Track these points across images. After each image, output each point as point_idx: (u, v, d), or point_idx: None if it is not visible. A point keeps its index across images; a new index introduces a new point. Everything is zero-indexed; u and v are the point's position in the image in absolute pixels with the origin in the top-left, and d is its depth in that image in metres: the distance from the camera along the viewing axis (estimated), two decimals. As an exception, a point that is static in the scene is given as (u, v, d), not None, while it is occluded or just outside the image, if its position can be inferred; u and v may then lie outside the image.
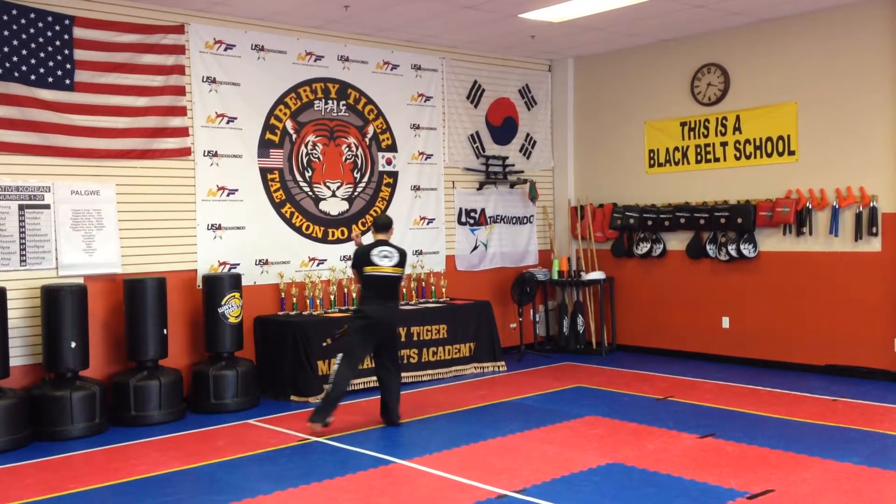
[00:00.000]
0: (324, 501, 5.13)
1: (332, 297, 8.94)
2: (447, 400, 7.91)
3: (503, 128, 10.62)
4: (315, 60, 8.95)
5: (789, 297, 8.96)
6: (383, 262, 6.86)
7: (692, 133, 9.74)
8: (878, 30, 8.27)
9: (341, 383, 6.73)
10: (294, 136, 8.80)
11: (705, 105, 9.61)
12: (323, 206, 9.02)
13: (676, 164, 9.89)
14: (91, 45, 7.45)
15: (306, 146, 8.88)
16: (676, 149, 9.89)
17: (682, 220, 9.71)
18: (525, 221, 10.87)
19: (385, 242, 6.99)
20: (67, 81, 7.34)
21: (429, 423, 7.09)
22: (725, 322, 9.52)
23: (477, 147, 10.36)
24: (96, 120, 7.47)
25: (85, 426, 6.84)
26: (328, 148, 9.03)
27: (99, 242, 7.50)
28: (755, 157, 9.19)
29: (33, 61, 7.16)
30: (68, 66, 7.34)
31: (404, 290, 9.38)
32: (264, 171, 8.59)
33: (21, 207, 7.13)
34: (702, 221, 9.53)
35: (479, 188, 10.36)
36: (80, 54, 7.40)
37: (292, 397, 8.01)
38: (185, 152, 8.01)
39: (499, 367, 9.39)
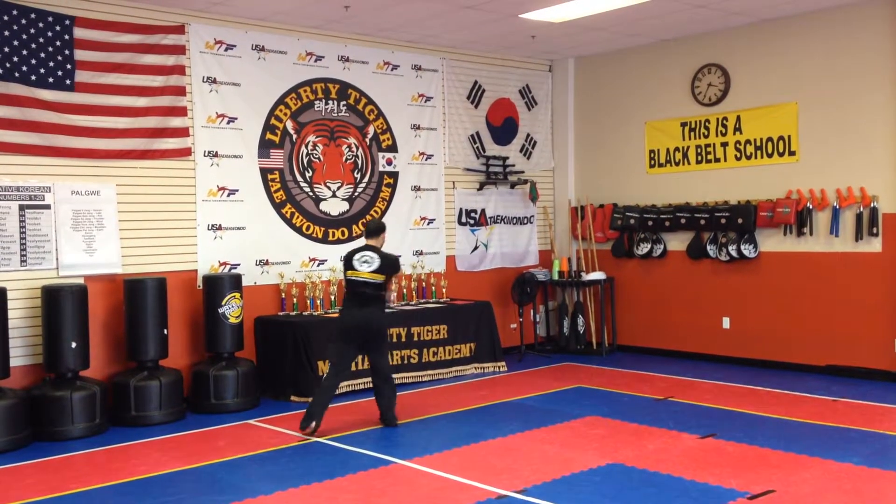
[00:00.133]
0: (324, 501, 5.13)
1: (332, 298, 8.94)
2: (447, 400, 7.91)
3: (503, 128, 10.62)
4: (315, 61, 8.95)
5: (790, 297, 8.96)
6: (362, 266, 6.85)
7: (693, 133, 9.74)
8: (878, 30, 8.27)
9: (324, 389, 6.77)
10: (294, 137, 8.80)
11: (706, 105, 9.61)
12: (323, 206, 9.02)
13: (677, 164, 9.89)
14: (91, 46, 7.45)
15: (307, 146, 8.88)
16: (677, 149, 9.89)
17: (683, 221, 9.71)
18: (525, 222, 10.87)
19: (370, 248, 6.98)
20: (68, 82, 7.34)
21: (429, 424, 7.09)
22: (726, 322, 9.52)
23: (477, 147, 10.36)
24: (97, 120, 7.48)
25: (85, 426, 6.84)
26: (328, 148, 9.03)
27: (99, 243, 7.50)
28: (756, 157, 9.19)
29: (34, 61, 7.16)
30: (69, 66, 7.34)
31: (405, 290, 9.39)
32: (265, 172, 8.59)
33: (21, 207, 7.13)
34: (702, 222, 9.52)
35: (480, 188, 10.36)
36: (80, 54, 7.40)
37: (292, 397, 8.01)
38: (185, 152, 8.01)
39: (499, 367, 9.39)
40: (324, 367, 7.90)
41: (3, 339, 6.62)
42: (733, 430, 6.54)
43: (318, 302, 8.71)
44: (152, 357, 7.41)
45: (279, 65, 8.66)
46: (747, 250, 9.17)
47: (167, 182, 7.94)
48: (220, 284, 7.80)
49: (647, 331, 10.25)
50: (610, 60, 10.54)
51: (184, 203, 8.05)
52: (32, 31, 7.15)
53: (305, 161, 8.88)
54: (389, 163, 9.53)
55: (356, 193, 9.24)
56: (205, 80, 8.14)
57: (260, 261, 8.55)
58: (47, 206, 7.25)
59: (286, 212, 8.74)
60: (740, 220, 9.13)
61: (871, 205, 8.30)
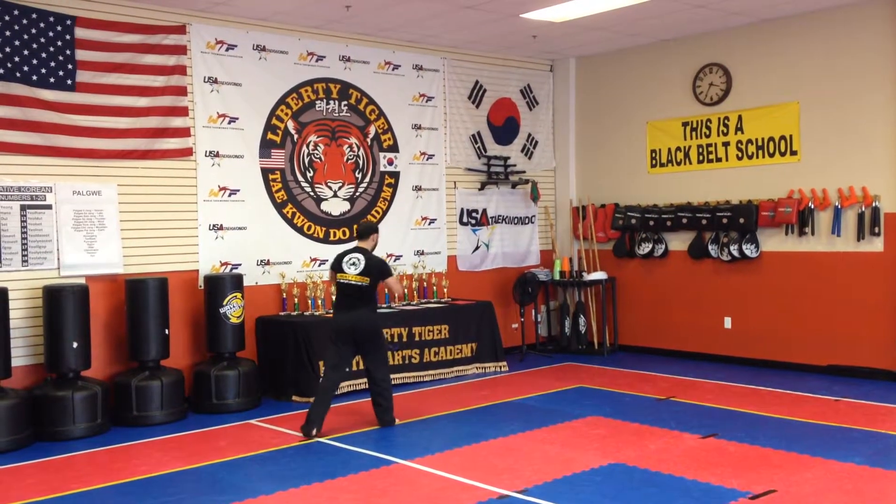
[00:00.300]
0: (325, 501, 5.13)
1: (333, 298, 8.92)
2: (449, 400, 7.91)
3: (505, 128, 10.62)
4: (316, 61, 8.95)
5: (791, 297, 8.95)
6: (350, 269, 6.84)
7: (694, 133, 9.73)
8: (879, 30, 8.26)
9: (322, 392, 6.75)
10: (296, 137, 8.80)
11: (707, 105, 9.61)
12: (324, 206, 9.02)
13: (678, 164, 9.89)
14: (92, 46, 7.45)
15: (308, 146, 8.88)
16: (678, 149, 9.88)
17: (684, 221, 9.71)
18: (527, 222, 10.86)
19: (359, 250, 6.96)
20: (69, 82, 7.34)
21: (430, 424, 7.09)
22: (727, 322, 9.51)
23: (478, 147, 10.36)
24: (98, 120, 7.48)
25: (87, 426, 6.84)
26: (330, 148, 9.04)
27: (100, 243, 7.50)
28: (757, 157, 9.18)
29: (35, 62, 7.16)
30: (70, 66, 7.35)
31: (406, 290, 9.39)
32: (266, 172, 8.59)
33: (23, 208, 7.13)
34: (704, 221, 9.52)
35: (481, 188, 10.36)
36: (81, 55, 7.40)
37: (294, 397, 8.01)
38: (186, 153, 8.01)
39: (500, 367, 9.38)
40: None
41: (5, 339, 6.62)
42: (735, 429, 6.53)
43: (320, 302, 8.71)
44: (154, 357, 7.41)
45: (280, 65, 8.66)
46: (749, 250, 9.17)
47: (168, 182, 7.94)
48: (221, 284, 7.80)
49: (649, 331, 10.24)
50: (611, 60, 10.53)
51: (185, 203, 8.05)
52: (34, 31, 7.15)
53: (307, 161, 8.88)
54: (391, 163, 9.53)
55: (357, 193, 9.25)
56: (206, 80, 8.15)
57: (261, 261, 8.55)
58: (49, 207, 7.25)
59: (287, 212, 8.74)
60: (742, 220, 9.12)
61: (873, 204, 8.29)
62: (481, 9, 8.23)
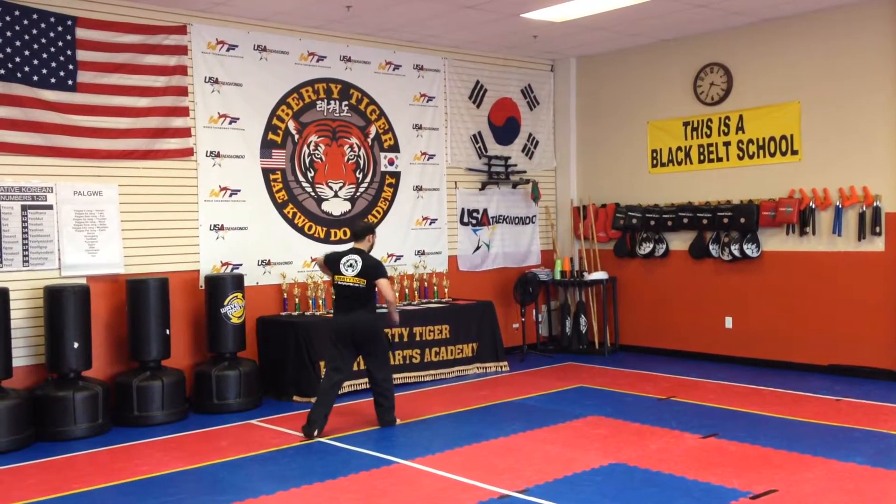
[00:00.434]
0: (326, 501, 5.13)
1: (334, 298, 8.92)
2: (449, 400, 7.91)
3: (505, 128, 10.62)
4: (317, 61, 8.95)
5: (792, 296, 8.95)
6: (347, 271, 6.84)
7: (695, 133, 9.73)
8: (879, 30, 8.26)
9: (323, 393, 6.75)
10: (296, 137, 8.81)
11: (708, 105, 9.60)
12: (325, 206, 9.02)
13: (679, 163, 9.88)
14: (93, 46, 7.46)
15: (309, 146, 8.88)
16: (679, 148, 9.88)
17: (685, 220, 9.70)
18: (527, 221, 10.86)
19: (356, 251, 6.96)
20: (70, 82, 7.35)
21: (431, 424, 7.09)
22: (728, 322, 9.50)
23: (479, 147, 10.36)
24: (99, 120, 7.48)
25: (88, 426, 6.85)
26: (330, 148, 9.04)
27: (101, 243, 7.51)
28: (758, 156, 9.18)
29: (36, 62, 7.16)
30: (71, 66, 7.35)
31: (407, 290, 9.39)
32: (266, 172, 8.59)
33: (24, 208, 7.14)
34: (705, 221, 9.51)
35: (482, 188, 10.36)
36: (82, 55, 7.40)
37: (295, 397, 8.01)
38: (187, 153, 8.02)
39: (501, 367, 9.38)
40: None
41: (6, 339, 6.63)
42: (736, 429, 6.53)
43: (321, 302, 8.71)
44: (155, 357, 7.41)
45: (281, 65, 8.66)
46: (750, 250, 9.16)
47: (169, 182, 7.95)
48: (222, 284, 7.81)
49: (650, 330, 10.24)
50: (612, 60, 10.53)
51: (186, 203, 8.05)
52: (34, 31, 7.16)
53: (307, 161, 8.88)
54: (391, 163, 9.53)
55: (358, 193, 9.25)
56: (207, 80, 8.15)
57: (262, 261, 8.55)
58: (50, 207, 7.26)
59: (288, 212, 8.75)
60: (743, 220, 9.12)
61: (874, 204, 8.29)
62: (482, 9, 8.23)
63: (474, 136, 10.31)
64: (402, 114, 9.61)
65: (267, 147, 8.59)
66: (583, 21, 8.83)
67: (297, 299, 8.60)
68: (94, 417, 6.90)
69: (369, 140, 9.34)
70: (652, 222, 10.01)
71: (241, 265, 8.37)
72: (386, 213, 9.45)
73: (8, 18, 7.04)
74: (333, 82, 9.08)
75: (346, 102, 9.16)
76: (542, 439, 6.42)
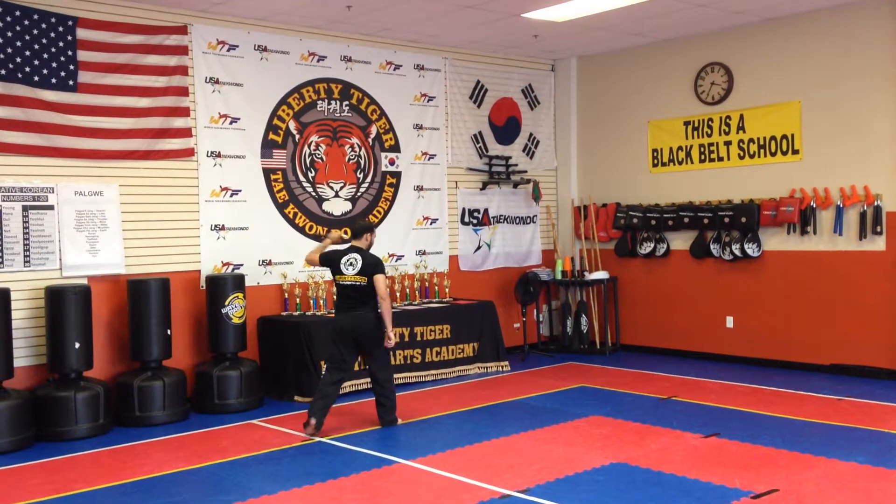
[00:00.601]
0: (327, 501, 5.13)
1: (335, 297, 8.92)
2: (450, 400, 7.91)
3: (506, 128, 10.62)
4: (318, 61, 8.95)
5: (793, 296, 8.95)
6: (348, 270, 6.84)
7: (696, 132, 9.73)
8: (880, 29, 8.25)
9: (320, 392, 6.76)
10: (297, 137, 8.81)
11: (709, 104, 9.60)
12: (326, 206, 9.02)
13: (680, 163, 9.88)
14: (94, 46, 7.46)
15: (309, 146, 8.88)
16: (680, 148, 9.88)
17: (686, 220, 9.70)
18: (528, 221, 10.86)
19: (355, 249, 6.96)
20: (71, 82, 7.35)
21: (432, 423, 7.09)
22: (729, 322, 9.50)
23: (480, 147, 10.36)
24: (99, 121, 7.49)
25: (89, 427, 6.85)
26: (331, 148, 9.04)
27: (102, 243, 7.51)
28: (759, 156, 9.17)
29: (37, 62, 7.17)
30: (71, 67, 7.35)
31: (408, 290, 9.40)
32: (267, 172, 8.59)
33: (25, 208, 7.14)
34: (705, 221, 9.51)
35: (483, 188, 10.36)
36: (83, 55, 7.41)
37: (296, 397, 8.01)
38: (188, 153, 8.02)
39: (502, 367, 9.38)
40: (327, 368, 7.92)
41: (7, 339, 6.63)
42: (737, 429, 6.53)
43: (322, 302, 8.71)
44: (156, 357, 7.41)
45: (282, 65, 8.66)
46: (751, 249, 9.16)
47: (170, 182, 7.95)
48: (223, 285, 7.81)
49: (651, 330, 10.24)
50: (612, 60, 10.53)
51: (187, 203, 8.05)
52: (35, 31, 7.16)
53: (308, 161, 8.88)
54: (392, 163, 9.53)
55: (359, 193, 9.25)
56: (207, 80, 8.15)
57: (263, 261, 8.55)
58: (51, 207, 7.26)
59: (289, 212, 8.75)
60: (744, 219, 9.12)
61: (875, 203, 8.28)
62: (482, 8, 8.23)
63: (475, 135, 10.31)
64: (402, 114, 9.61)
65: (268, 147, 8.59)
66: (583, 21, 8.83)
67: (297, 299, 8.60)
68: (96, 418, 6.90)
69: (370, 140, 9.34)
70: (653, 222, 10.01)
71: (241, 265, 8.37)
72: (387, 213, 9.45)
73: (9, 19, 7.04)
74: (334, 82, 9.08)
75: (346, 102, 9.16)
76: (543, 439, 6.42)
